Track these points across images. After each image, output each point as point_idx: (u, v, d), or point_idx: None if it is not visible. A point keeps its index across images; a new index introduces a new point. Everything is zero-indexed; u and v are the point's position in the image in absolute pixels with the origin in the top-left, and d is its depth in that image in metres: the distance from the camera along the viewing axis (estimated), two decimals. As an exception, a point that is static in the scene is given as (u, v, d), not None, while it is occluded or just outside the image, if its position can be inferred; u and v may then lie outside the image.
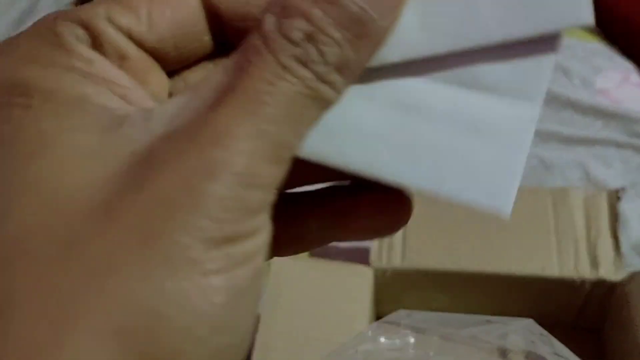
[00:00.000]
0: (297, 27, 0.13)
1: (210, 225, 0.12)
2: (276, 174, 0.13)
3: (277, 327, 0.49)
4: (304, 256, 0.65)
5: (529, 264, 0.50)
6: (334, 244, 0.62)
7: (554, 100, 0.78)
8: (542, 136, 0.75)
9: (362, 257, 0.54)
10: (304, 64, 0.13)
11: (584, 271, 0.49)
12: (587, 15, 0.16)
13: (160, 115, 0.13)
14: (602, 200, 0.52)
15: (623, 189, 0.52)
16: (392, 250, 0.53)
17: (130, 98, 0.14)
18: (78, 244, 0.12)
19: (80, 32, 0.14)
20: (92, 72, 0.14)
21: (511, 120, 0.16)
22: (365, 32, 0.13)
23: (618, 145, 0.72)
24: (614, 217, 0.51)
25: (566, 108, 0.77)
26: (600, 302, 0.51)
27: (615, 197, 0.52)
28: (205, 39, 0.15)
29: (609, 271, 0.49)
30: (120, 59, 0.14)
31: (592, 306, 0.51)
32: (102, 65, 0.14)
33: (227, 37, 0.15)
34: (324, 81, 0.13)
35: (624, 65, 0.82)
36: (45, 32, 0.14)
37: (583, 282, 0.49)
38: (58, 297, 0.11)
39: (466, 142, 0.15)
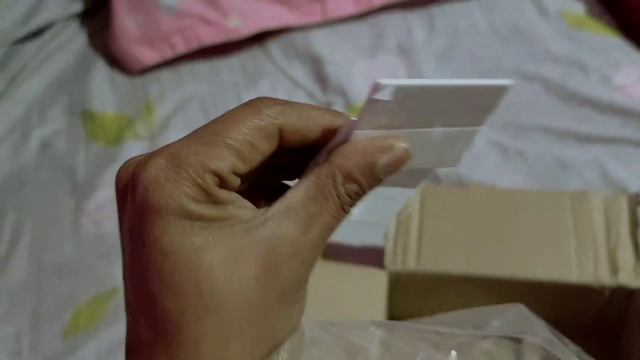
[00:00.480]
0: (352, 189, 0.23)
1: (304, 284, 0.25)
2: (322, 247, 0.24)
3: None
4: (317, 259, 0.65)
5: (547, 269, 0.49)
6: (349, 245, 0.60)
7: (570, 98, 0.76)
8: (558, 134, 0.73)
9: (376, 259, 0.53)
10: (350, 206, 0.23)
11: (604, 277, 0.48)
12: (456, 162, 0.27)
13: (271, 223, 0.22)
14: (622, 204, 0.51)
15: (645, 193, 0.51)
16: (406, 254, 0.52)
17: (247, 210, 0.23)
18: (249, 320, 0.22)
19: (216, 179, 0.22)
20: (222, 199, 0.22)
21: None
22: (377, 185, 0.24)
23: (637, 143, 0.70)
24: (634, 222, 0.50)
25: (583, 105, 0.76)
26: (619, 308, 0.50)
27: (635, 202, 0.51)
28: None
29: (628, 277, 0.48)
30: (232, 188, 0.23)
31: (611, 311, 0.50)
32: (233, 199, 0.22)
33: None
34: (348, 212, 0.24)
35: (643, 60, 0.80)
36: (195, 179, 0.22)
37: (602, 288, 0.48)
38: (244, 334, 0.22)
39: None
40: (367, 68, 0.85)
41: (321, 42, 0.88)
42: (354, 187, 0.23)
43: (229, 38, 0.87)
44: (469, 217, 0.52)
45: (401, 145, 0.23)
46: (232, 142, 0.22)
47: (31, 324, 0.63)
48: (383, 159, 0.23)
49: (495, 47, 0.84)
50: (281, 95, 0.83)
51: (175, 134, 0.80)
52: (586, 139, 0.72)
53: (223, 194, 0.22)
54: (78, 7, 0.96)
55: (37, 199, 0.75)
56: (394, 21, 0.89)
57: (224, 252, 0.21)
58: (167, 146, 0.22)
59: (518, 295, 0.51)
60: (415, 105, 0.23)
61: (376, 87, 0.21)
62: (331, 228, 0.23)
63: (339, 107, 0.81)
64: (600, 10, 0.89)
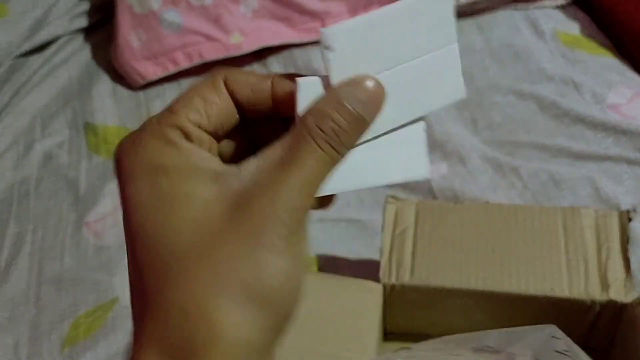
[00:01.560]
0: (328, 125, 0.23)
1: (283, 227, 0.23)
2: (312, 200, 0.24)
3: (286, 342, 0.49)
4: (313, 271, 0.65)
5: (539, 284, 0.50)
6: (344, 257, 0.61)
7: (564, 115, 0.78)
8: (552, 151, 0.75)
9: (372, 273, 0.54)
10: (329, 144, 0.24)
11: (594, 292, 0.49)
12: (424, 172, 0.28)
13: (245, 172, 0.23)
14: (613, 220, 0.52)
15: (634, 210, 0.52)
16: (401, 267, 0.53)
17: (216, 162, 0.24)
18: (215, 244, 0.22)
19: (178, 132, 0.24)
20: (194, 153, 0.24)
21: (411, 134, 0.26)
22: (360, 126, 0.24)
23: (629, 162, 0.72)
24: (625, 238, 0.51)
25: (576, 123, 0.77)
26: (610, 323, 0.51)
27: (626, 218, 0.52)
28: (235, 118, 0.26)
29: (619, 293, 0.48)
30: (199, 142, 0.24)
31: (602, 326, 0.51)
32: (196, 148, 0.24)
33: (246, 113, 0.26)
34: (338, 152, 0.24)
35: (636, 80, 0.82)
36: (160, 135, 0.24)
37: (593, 303, 0.49)
38: (208, 272, 0.22)
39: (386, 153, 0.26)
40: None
41: (321, 59, 0.89)
42: (328, 123, 0.23)
43: (231, 54, 0.88)
44: (463, 231, 0.53)
45: (369, 81, 0.24)
46: (187, 99, 0.24)
47: (30, 335, 0.64)
48: (349, 90, 0.24)
49: (491, 66, 0.86)
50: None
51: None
52: (579, 157, 0.74)
53: (186, 144, 0.23)
54: (83, 22, 0.98)
55: (38, 210, 0.76)
56: (393, 39, 0.91)
57: (191, 200, 0.22)
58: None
59: (511, 310, 0.52)
60: (374, 45, 0.24)
61: (323, 35, 0.23)
62: (315, 169, 0.23)
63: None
64: (595, 30, 0.91)
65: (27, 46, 0.93)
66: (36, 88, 0.90)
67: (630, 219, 0.52)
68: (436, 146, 0.77)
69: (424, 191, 0.72)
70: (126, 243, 0.24)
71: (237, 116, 0.25)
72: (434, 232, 0.54)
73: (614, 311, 0.49)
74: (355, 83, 0.24)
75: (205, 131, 0.24)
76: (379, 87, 0.24)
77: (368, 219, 0.70)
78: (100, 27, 0.98)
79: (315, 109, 0.24)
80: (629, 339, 0.49)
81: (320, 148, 0.23)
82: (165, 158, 0.23)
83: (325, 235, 0.70)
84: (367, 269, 0.66)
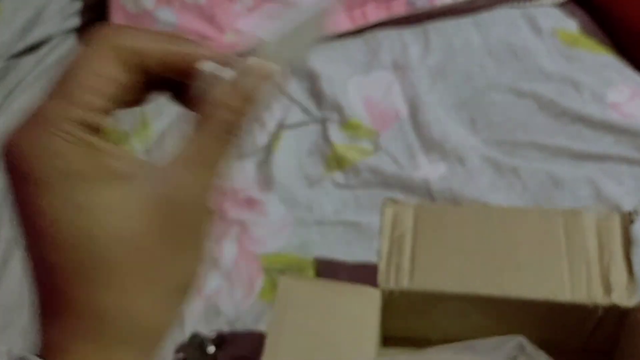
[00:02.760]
0: (232, 120, 0.24)
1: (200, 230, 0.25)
2: (214, 176, 0.24)
3: (283, 347, 0.48)
4: (311, 278, 0.65)
5: (540, 288, 0.49)
6: (342, 261, 0.60)
7: (563, 115, 0.77)
8: (552, 151, 0.74)
9: (370, 277, 0.53)
10: (228, 132, 0.24)
11: (597, 296, 0.48)
12: None
13: (160, 173, 0.23)
14: (615, 222, 0.51)
15: (636, 212, 0.51)
16: (400, 272, 0.52)
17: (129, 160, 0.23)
18: (140, 252, 0.22)
19: (82, 127, 0.22)
20: (104, 152, 0.22)
21: None
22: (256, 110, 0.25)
23: (630, 161, 0.71)
24: (627, 241, 0.50)
25: (576, 123, 0.76)
26: (613, 327, 0.50)
27: (628, 220, 0.51)
28: (135, 83, 0.24)
29: (621, 297, 0.48)
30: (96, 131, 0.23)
31: (604, 330, 0.50)
32: (104, 144, 0.22)
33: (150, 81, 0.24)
34: (234, 136, 0.24)
35: (635, 79, 0.81)
36: (64, 134, 0.21)
37: (596, 308, 0.48)
38: (139, 278, 0.22)
39: None
40: (362, 84, 0.86)
41: (317, 57, 0.88)
42: (233, 118, 0.24)
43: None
44: (462, 235, 0.52)
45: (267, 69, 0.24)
46: (80, 79, 0.22)
47: (24, 341, 0.63)
48: (249, 80, 0.24)
49: (489, 64, 0.85)
50: (276, 110, 0.84)
51: (171, 148, 0.80)
52: (579, 157, 0.73)
53: (95, 141, 0.22)
54: (76, 21, 0.96)
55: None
56: (389, 37, 0.90)
57: (108, 207, 0.22)
58: (32, 111, 0.22)
59: (511, 314, 0.51)
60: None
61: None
62: (224, 163, 0.24)
63: (334, 123, 0.81)
64: (594, 28, 0.90)
65: (19, 46, 0.92)
66: (29, 89, 0.88)
67: (632, 221, 0.51)
68: (434, 146, 0.76)
69: (423, 192, 0.71)
70: (28, 243, 0.22)
71: (137, 80, 0.24)
72: (433, 235, 0.53)
73: (617, 315, 0.48)
74: (251, 71, 0.24)
75: (106, 112, 0.23)
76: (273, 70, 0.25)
77: (366, 222, 0.69)
78: (93, 26, 0.97)
79: (220, 105, 0.24)
80: (631, 343, 0.48)
81: (228, 144, 0.24)
82: (75, 163, 0.21)
83: (323, 239, 0.69)
84: (365, 273, 0.65)
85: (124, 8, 0.86)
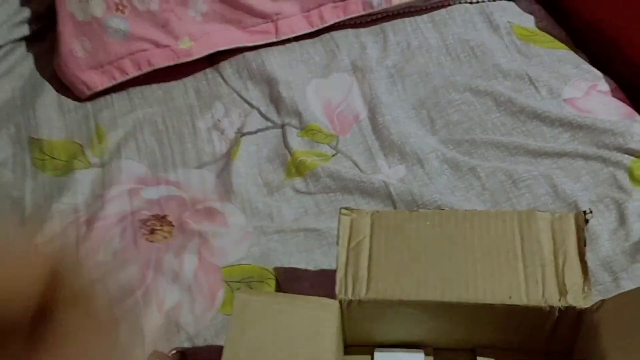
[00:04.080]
0: None
1: None
2: None
3: (241, 365, 0.47)
4: (269, 292, 0.63)
5: (496, 292, 0.49)
6: (303, 268, 0.59)
7: (521, 112, 0.77)
8: (510, 149, 0.74)
9: (331, 283, 0.52)
10: None
11: (552, 299, 0.48)
12: None
13: None
14: (569, 222, 0.51)
15: (590, 211, 0.52)
16: (357, 281, 0.51)
17: None
18: None
19: None
20: None
21: None
22: None
23: (586, 157, 0.71)
24: (581, 241, 0.50)
25: (533, 120, 0.76)
26: (570, 328, 0.50)
27: (582, 220, 0.51)
28: None
29: (577, 298, 0.48)
30: None
31: (562, 332, 0.50)
32: None
33: None
34: None
35: (592, 73, 0.81)
36: None
37: (552, 309, 0.48)
38: None
39: None
40: (321, 87, 0.85)
41: (275, 61, 0.87)
42: None
43: (180, 60, 0.85)
44: (418, 242, 0.52)
45: None
46: None
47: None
48: None
49: (447, 63, 0.85)
50: (236, 116, 0.82)
51: (127, 160, 0.78)
52: (536, 154, 0.73)
53: None
54: (24, 31, 0.93)
55: (-19, 234, 0.72)
56: (347, 38, 0.89)
57: None
58: None
59: (470, 319, 0.51)
60: None
61: None
62: None
63: (293, 128, 0.80)
64: (551, 23, 0.90)
65: (-35, 58, 0.88)
66: (-22, 101, 0.85)
67: (586, 221, 0.51)
68: (394, 148, 0.76)
69: (383, 196, 0.71)
70: None
71: None
72: (390, 243, 0.52)
73: (573, 316, 0.49)
74: None
75: None
76: None
77: (326, 227, 0.69)
78: (43, 35, 0.94)
79: None
80: (588, 344, 0.48)
81: None
82: None
83: (284, 247, 0.68)
84: (327, 280, 0.64)
85: (72, 16, 0.84)
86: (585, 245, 0.50)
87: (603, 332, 0.45)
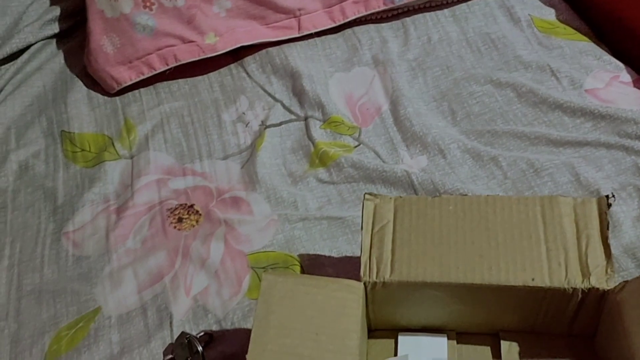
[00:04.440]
0: None
1: None
2: None
3: (269, 344, 0.48)
4: (294, 273, 0.65)
5: (520, 274, 0.49)
6: (327, 256, 0.60)
7: (542, 103, 0.78)
8: (532, 139, 0.74)
9: (354, 269, 0.53)
10: None
11: (575, 280, 0.49)
12: None
13: None
14: (592, 207, 0.52)
15: (613, 196, 0.52)
16: (381, 264, 0.52)
17: None
18: None
19: None
20: None
21: None
22: None
23: (608, 146, 0.72)
24: (604, 224, 0.51)
25: (555, 110, 0.77)
26: (593, 310, 0.50)
27: (605, 204, 0.52)
28: None
29: (600, 280, 0.48)
30: None
31: (585, 314, 0.51)
32: None
33: None
34: None
35: (614, 64, 0.82)
36: None
37: (575, 291, 0.49)
38: None
39: None
40: (343, 81, 0.86)
41: (298, 56, 0.88)
42: None
43: (206, 55, 0.87)
44: (441, 225, 0.53)
45: None
46: None
47: (11, 350, 0.63)
48: None
49: (468, 55, 0.85)
50: (260, 110, 0.84)
51: (155, 152, 0.80)
52: (558, 143, 0.73)
53: None
54: (55, 28, 0.96)
55: (16, 222, 0.75)
56: (369, 33, 0.91)
57: None
58: None
59: (492, 302, 0.51)
60: None
61: None
62: None
63: (316, 120, 0.81)
64: (571, 16, 0.90)
65: (-1, 55, 0.91)
66: (9, 98, 0.88)
67: (609, 205, 0.52)
68: (415, 139, 0.77)
69: (405, 185, 0.72)
70: None
71: None
72: (413, 227, 0.53)
73: (596, 298, 0.49)
74: None
75: None
76: None
77: (349, 216, 0.70)
78: (73, 33, 0.96)
79: None
80: (612, 326, 0.48)
81: None
82: None
83: (307, 235, 0.69)
84: (350, 266, 0.66)
85: (102, 13, 0.86)
86: (608, 228, 0.51)
87: (626, 312, 0.45)
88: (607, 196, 0.52)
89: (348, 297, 0.51)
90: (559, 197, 0.53)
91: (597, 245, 0.50)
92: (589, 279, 0.48)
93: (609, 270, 0.49)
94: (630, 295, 0.46)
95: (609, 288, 0.48)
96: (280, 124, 0.82)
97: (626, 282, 0.47)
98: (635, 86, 0.79)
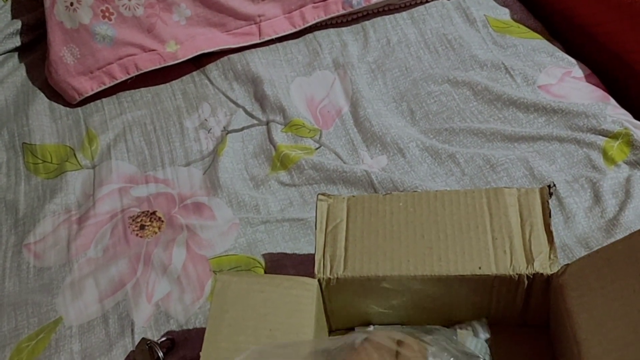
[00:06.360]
0: None
1: None
2: None
3: (222, 342, 0.49)
4: (250, 272, 0.65)
5: (467, 264, 0.50)
6: (289, 256, 0.61)
7: (497, 100, 0.79)
8: (487, 136, 0.76)
9: (313, 270, 0.54)
10: None
11: (520, 267, 0.50)
12: None
13: None
14: (535, 196, 0.53)
15: (554, 185, 0.54)
16: (334, 261, 0.53)
17: None
18: None
19: None
20: None
21: None
22: None
23: (561, 140, 0.73)
24: (546, 212, 0.52)
25: (509, 107, 0.78)
26: (542, 298, 0.52)
27: (546, 193, 0.53)
28: None
29: (544, 265, 0.50)
30: None
31: (535, 302, 0.52)
32: None
33: None
34: None
35: (566, 60, 0.84)
36: None
37: (520, 277, 0.50)
38: None
39: None
40: (304, 84, 0.87)
41: (259, 62, 0.89)
42: None
43: (167, 63, 0.88)
44: (392, 221, 0.54)
45: None
46: None
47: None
48: None
49: (426, 56, 0.87)
50: (222, 116, 0.85)
51: (117, 161, 0.80)
52: (513, 139, 0.75)
53: None
54: (17, 42, 0.96)
55: (-23, 236, 0.74)
56: (329, 37, 0.92)
57: None
58: None
59: (444, 293, 0.52)
60: None
61: None
62: None
63: (278, 124, 0.82)
64: (525, 14, 0.92)
65: (-41, 70, 0.91)
66: (-27, 111, 0.88)
67: (551, 194, 0.53)
68: (375, 140, 0.78)
69: (365, 185, 0.73)
70: None
71: None
72: (365, 224, 0.54)
73: (542, 284, 0.50)
74: None
75: None
76: None
77: (311, 217, 0.71)
78: (35, 46, 0.96)
79: None
80: (557, 310, 0.50)
81: None
82: None
83: (269, 237, 0.70)
84: (312, 266, 0.66)
85: (61, 25, 0.86)
86: (550, 216, 0.52)
87: (567, 294, 0.47)
88: (548, 186, 0.54)
89: (302, 294, 0.52)
90: (504, 188, 0.54)
91: (540, 232, 0.51)
92: (532, 264, 0.50)
93: (551, 255, 0.50)
94: (570, 277, 0.47)
95: (552, 272, 0.49)
96: (242, 129, 0.83)
97: (567, 265, 0.49)
98: (587, 81, 0.81)
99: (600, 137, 0.73)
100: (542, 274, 0.49)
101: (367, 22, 0.93)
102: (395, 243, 0.53)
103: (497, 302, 0.53)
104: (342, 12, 0.92)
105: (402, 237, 0.53)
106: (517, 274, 0.50)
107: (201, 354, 0.48)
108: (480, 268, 0.50)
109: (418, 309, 0.55)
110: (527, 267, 0.50)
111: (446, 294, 0.53)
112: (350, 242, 0.54)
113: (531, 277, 0.50)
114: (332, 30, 0.93)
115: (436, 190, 0.55)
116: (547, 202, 0.52)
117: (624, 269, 0.44)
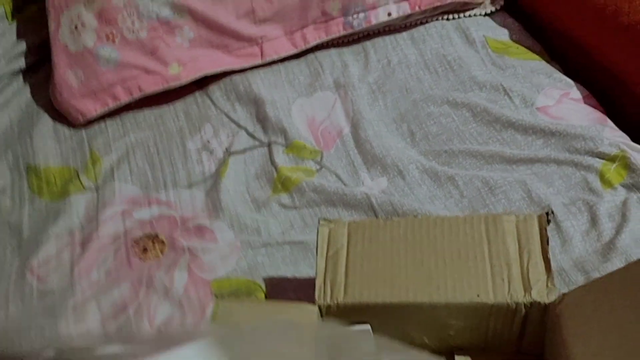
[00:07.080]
0: None
1: None
2: None
3: (225, 372, 0.49)
4: (250, 299, 0.66)
5: (466, 292, 0.51)
6: (290, 280, 0.61)
7: (496, 121, 0.80)
8: (486, 158, 0.77)
9: (314, 294, 0.55)
10: None
11: (518, 295, 0.50)
12: None
13: None
14: (533, 223, 0.54)
15: (552, 212, 0.54)
16: (335, 287, 0.54)
17: None
18: None
19: None
20: None
21: None
22: None
23: (558, 162, 0.74)
24: (544, 240, 0.53)
25: (508, 128, 0.79)
26: (538, 326, 0.52)
27: (544, 221, 0.54)
28: None
29: (541, 293, 0.50)
30: None
31: (532, 330, 0.53)
32: None
33: None
34: None
35: (564, 81, 0.85)
36: None
37: (518, 306, 0.50)
38: None
39: None
40: (305, 105, 0.88)
41: (261, 82, 0.90)
42: None
43: (170, 85, 0.89)
44: (393, 247, 0.55)
45: None
46: None
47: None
48: None
49: (426, 77, 0.88)
50: (224, 137, 0.86)
51: (120, 183, 0.81)
52: (511, 161, 0.76)
53: None
54: (21, 63, 0.97)
55: (-19, 258, 0.75)
56: (330, 58, 0.93)
57: None
58: None
59: (442, 320, 0.53)
60: None
61: None
62: None
63: (279, 146, 0.83)
64: (524, 35, 0.94)
65: (-36, 92, 0.92)
66: (-23, 133, 0.89)
67: (549, 221, 0.54)
68: (376, 161, 0.79)
69: (365, 208, 0.74)
70: None
71: None
72: (365, 250, 0.55)
73: (539, 312, 0.51)
74: None
75: None
76: None
77: (311, 240, 0.71)
78: (39, 67, 0.98)
79: None
80: (554, 339, 0.50)
81: None
82: None
83: (270, 260, 0.71)
84: (312, 290, 0.67)
85: (65, 47, 0.88)
86: (548, 244, 0.53)
87: (564, 323, 0.47)
88: (546, 212, 0.54)
89: (303, 320, 0.52)
90: (502, 215, 0.55)
91: (538, 260, 0.52)
92: (530, 293, 0.50)
93: (549, 284, 0.50)
94: (567, 306, 0.48)
95: (549, 301, 0.50)
96: (244, 150, 0.84)
97: (564, 294, 0.49)
98: (585, 102, 0.82)
99: (598, 159, 0.73)
100: (539, 302, 0.50)
101: (367, 42, 0.94)
102: (395, 270, 0.53)
103: (493, 329, 0.53)
104: (343, 32, 0.93)
105: (401, 265, 0.53)
106: (514, 302, 0.50)
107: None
108: (478, 296, 0.51)
109: (417, 336, 0.56)
110: (525, 295, 0.50)
111: (445, 322, 0.53)
112: (350, 269, 0.55)
113: (528, 305, 0.50)
114: (333, 51, 0.94)
115: (436, 216, 0.56)
116: (545, 229, 0.53)
117: (621, 300, 0.45)
